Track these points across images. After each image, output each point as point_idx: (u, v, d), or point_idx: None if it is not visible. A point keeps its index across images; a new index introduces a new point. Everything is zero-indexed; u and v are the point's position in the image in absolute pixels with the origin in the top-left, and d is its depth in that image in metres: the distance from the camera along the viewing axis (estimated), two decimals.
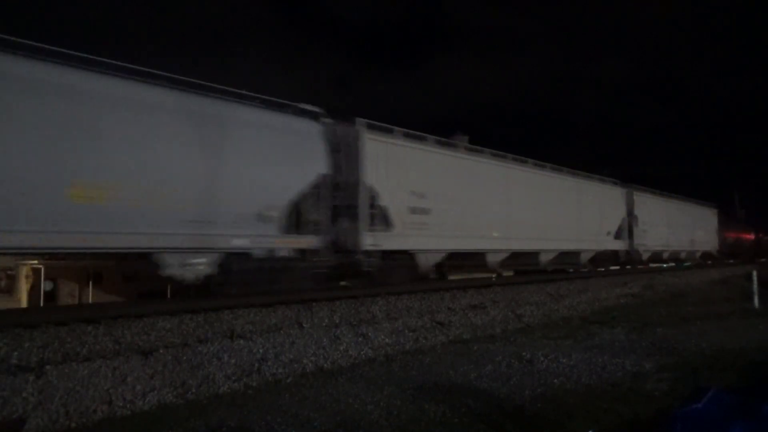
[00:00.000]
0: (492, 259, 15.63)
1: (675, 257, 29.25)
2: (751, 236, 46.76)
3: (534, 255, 17.76)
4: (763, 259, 43.24)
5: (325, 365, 7.54)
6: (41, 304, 10.33)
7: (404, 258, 12.44)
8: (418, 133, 13.58)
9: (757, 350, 8.37)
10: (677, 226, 28.39)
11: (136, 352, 6.52)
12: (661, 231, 26.33)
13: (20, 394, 5.28)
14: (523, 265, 17.76)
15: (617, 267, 23.47)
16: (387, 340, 8.78)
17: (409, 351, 8.64)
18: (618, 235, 22.55)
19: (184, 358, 6.63)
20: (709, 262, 33.61)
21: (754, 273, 15.17)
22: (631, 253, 23.44)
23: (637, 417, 5.23)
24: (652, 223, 25.15)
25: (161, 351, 6.62)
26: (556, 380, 6.70)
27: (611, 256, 22.46)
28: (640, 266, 24.86)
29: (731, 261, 37.15)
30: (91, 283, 10.75)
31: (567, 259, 19.58)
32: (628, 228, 23.17)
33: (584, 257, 20.63)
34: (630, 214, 23.32)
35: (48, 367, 5.71)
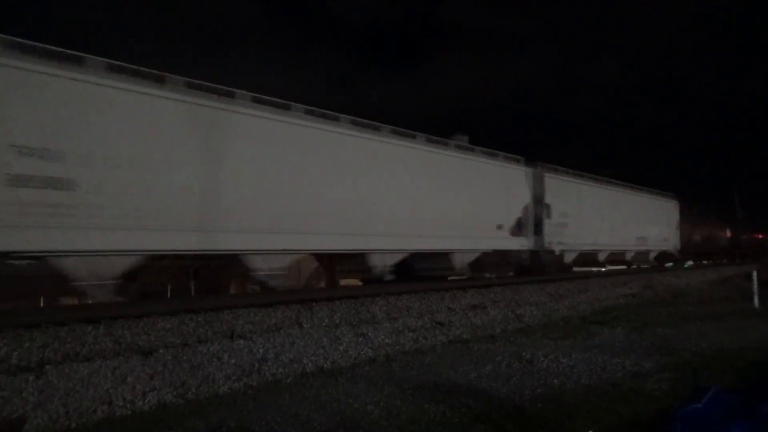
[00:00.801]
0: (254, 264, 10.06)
1: (617, 259, 23.18)
2: (726, 234, 38.84)
3: (360, 257, 12.03)
4: (739, 261, 37.80)
5: (325, 365, 7.54)
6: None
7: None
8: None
9: (757, 350, 8.37)
10: (619, 221, 22.36)
11: (136, 352, 6.52)
12: (593, 226, 20.35)
13: (20, 394, 5.28)
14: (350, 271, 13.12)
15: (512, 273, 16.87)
16: (387, 340, 8.78)
17: (409, 351, 8.64)
18: (517, 231, 16.51)
19: (184, 358, 6.63)
20: (670, 264, 28.05)
21: (754, 273, 15.19)
22: (540, 254, 17.53)
23: (637, 417, 5.24)
24: (578, 215, 19.19)
25: (161, 351, 6.62)
26: (556, 380, 6.70)
27: (508, 259, 16.49)
28: (556, 272, 18.13)
29: (691, 262, 31.37)
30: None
31: (425, 262, 14.18)
32: (534, 220, 17.22)
33: (459, 260, 14.60)
34: (538, 201, 17.40)
35: (48, 367, 5.72)
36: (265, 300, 9.15)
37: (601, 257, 21.76)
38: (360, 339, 8.49)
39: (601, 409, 5.47)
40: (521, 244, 16.69)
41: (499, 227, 15.82)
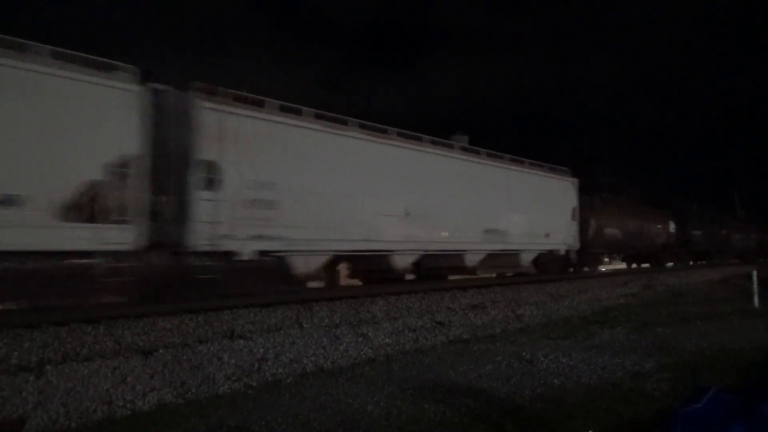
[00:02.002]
0: None
1: (443, 266, 14.49)
2: (668, 228, 27.86)
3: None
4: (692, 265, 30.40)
5: (325, 365, 7.54)
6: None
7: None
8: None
9: (757, 350, 8.36)
10: (439, 202, 13.64)
11: (136, 352, 6.52)
12: (345, 206, 11.56)
13: (20, 394, 5.28)
14: None
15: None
16: (387, 340, 8.78)
17: (409, 351, 8.64)
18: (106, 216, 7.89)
19: (184, 358, 6.63)
20: (571, 271, 19.48)
21: (754, 273, 15.19)
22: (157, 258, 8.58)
23: (637, 417, 5.23)
24: (304, 186, 10.65)
25: (161, 351, 6.63)
26: (556, 380, 6.70)
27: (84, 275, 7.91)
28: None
29: (602, 270, 23.19)
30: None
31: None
32: (150, 189, 8.37)
33: None
34: (170, 153, 8.76)
35: (48, 367, 5.72)
36: (265, 300, 9.15)
37: (402, 263, 12.74)
38: (360, 339, 8.49)
39: (601, 409, 5.47)
40: (92, 238, 7.76)
41: (71, 212, 7.62)
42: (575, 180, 19.66)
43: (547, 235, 17.74)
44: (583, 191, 20.43)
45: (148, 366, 6.27)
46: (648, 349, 8.61)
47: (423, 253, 13.28)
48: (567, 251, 18.91)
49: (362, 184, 11.81)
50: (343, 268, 13.01)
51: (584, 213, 19.97)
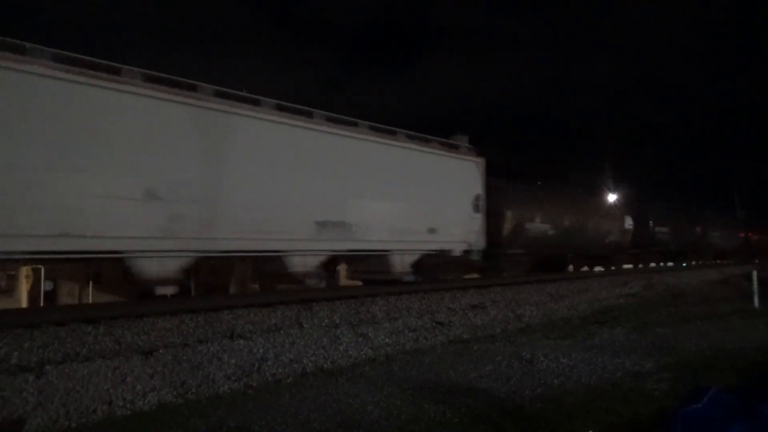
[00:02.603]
0: None
1: (227, 274, 11.89)
2: (621, 224, 22.68)
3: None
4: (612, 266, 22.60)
5: (325, 365, 7.54)
6: (41, 304, 10.32)
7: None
8: None
9: (757, 350, 8.37)
10: (234, 184, 9.52)
11: (136, 352, 6.51)
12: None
13: (20, 394, 5.28)
14: None
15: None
16: (387, 340, 8.78)
17: (409, 351, 8.64)
18: None
19: (184, 358, 6.63)
20: (458, 277, 14.65)
21: (754, 273, 15.19)
22: None
23: (637, 417, 5.23)
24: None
25: (161, 351, 6.62)
26: (556, 380, 6.70)
27: None
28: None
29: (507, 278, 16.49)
30: (90, 283, 10.74)
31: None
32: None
33: None
34: None
35: (48, 367, 5.71)
36: (265, 300, 9.16)
37: (149, 270, 8.48)
38: (360, 339, 8.49)
39: (601, 409, 5.47)
40: None
41: None
42: (480, 160, 14.57)
43: (432, 231, 12.98)
44: (497, 175, 15.83)
45: (148, 366, 6.27)
46: (648, 349, 8.62)
47: (194, 255, 8.92)
48: (467, 252, 14.04)
49: (53, 152, 7.49)
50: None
51: (497, 203, 15.25)
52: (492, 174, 15.25)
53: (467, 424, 5.07)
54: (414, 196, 12.65)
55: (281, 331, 8.00)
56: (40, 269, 10.43)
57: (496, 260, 15.67)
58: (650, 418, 5.12)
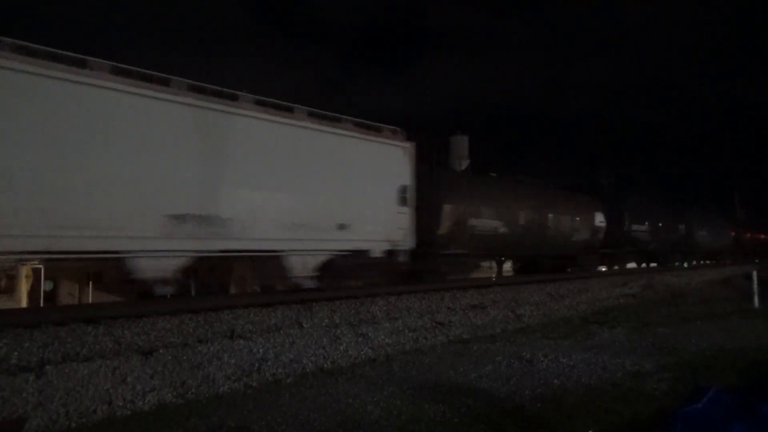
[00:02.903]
0: None
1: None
2: (591, 221, 20.61)
3: None
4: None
5: (325, 365, 7.54)
6: (41, 305, 10.32)
7: None
8: None
9: (757, 350, 8.37)
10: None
11: (136, 352, 6.52)
12: None
13: (20, 394, 5.28)
14: None
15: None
16: (387, 340, 8.78)
17: (409, 351, 8.64)
18: None
19: (184, 358, 6.63)
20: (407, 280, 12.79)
21: (754, 273, 15.19)
22: None
23: (637, 417, 5.24)
24: None
25: (161, 351, 6.62)
26: (556, 380, 6.70)
27: None
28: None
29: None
30: (90, 283, 10.72)
31: None
32: None
33: None
34: None
35: (48, 367, 5.71)
36: (265, 300, 9.16)
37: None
38: (360, 339, 8.49)
39: (601, 409, 5.47)
40: None
41: None
42: (409, 145, 12.57)
43: (343, 228, 10.91)
44: (433, 162, 13.70)
45: (148, 366, 6.27)
46: (648, 349, 8.62)
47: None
48: (391, 253, 12.01)
49: None
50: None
51: (433, 195, 13.25)
52: (429, 162, 13.39)
53: (467, 424, 5.07)
54: (317, 186, 10.55)
55: (281, 331, 8.00)
56: (40, 269, 10.43)
57: (431, 262, 13.44)
58: (650, 418, 5.12)
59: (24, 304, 10.30)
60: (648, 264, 27.39)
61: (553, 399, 5.89)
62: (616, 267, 23.72)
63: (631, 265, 24.45)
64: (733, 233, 37.85)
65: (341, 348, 8.07)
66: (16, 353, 5.90)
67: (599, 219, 21.17)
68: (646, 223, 25.30)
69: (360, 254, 11.38)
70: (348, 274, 11.40)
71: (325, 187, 10.76)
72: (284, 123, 10.17)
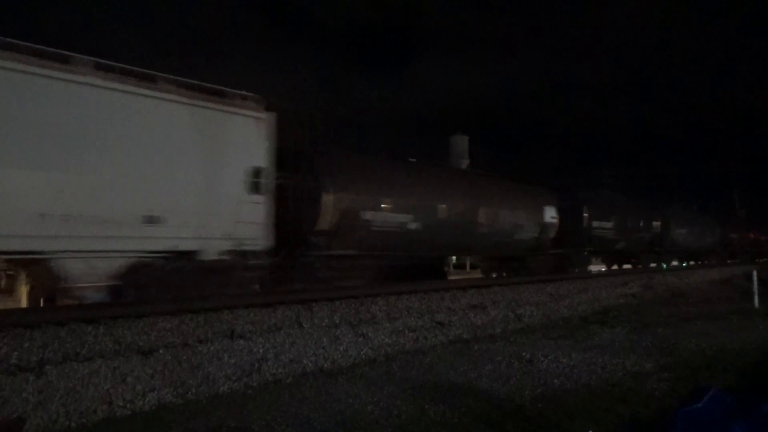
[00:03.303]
0: None
1: None
2: (540, 216, 18.03)
3: None
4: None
5: (325, 365, 7.53)
6: (41, 304, 10.33)
7: None
8: None
9: (757, 350, 8.37)
10: None
11: (136, 352, 6.51)
12: None
13: (20, 394, 5.28)
14: None
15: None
16: (387, 340, 8.78)
17: (409, 351, 8.64)
18: None
19: (184, 358, 6.63)
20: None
21: (755, 273, 15.20)
22: None
23: (638, 417, 5.23)
24: None
25: (161, 351, 6.62)
26: (556, 380, 6.69)
27: None
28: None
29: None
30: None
31: None
32: None
33: None
34: None
35: (48, 367, 5.71)
36: (265, 300, 9.15)
37: None
38: (360, 339, 8.49)
39: (601, 409, 5.47)
40: None
41: None
42: (266, 116, 10.20)
43: (153, 221, 8.63)
44: (306, 140, 11.53)
45: (148, 366, 6.27)
46: (648, 349, 8.61)
47: None
48: (237, 254, 9.76)
49: None
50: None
51: (310, 181, 11.07)
52: (301, 139, 11.13)
53: (467, 424, 5.07)
54: (109, 165, 8.20)
55: (281, 331, 8.00)
56: None
57: (306, 265, 11.08)
58: (650, 418, 5.12)
59: (24, 304, 10.31)
60: (620, 266, 24.54)
61: (553, 399, 5.88)
62: (577, 270, 20.23)
63: (598, 267, 21.06)
64: (717, 231, 34.28)
65: (341, 348, 8.06)
66: (16, 353, 5.91)
67: (550, 214, 18.21)
68: (612, 219, 22.19)
69: (182, 257, 8.96)
70: (163, 283, 8.81)
71: (124, 167, 8.25)
72: (52, 77, 7.59)
